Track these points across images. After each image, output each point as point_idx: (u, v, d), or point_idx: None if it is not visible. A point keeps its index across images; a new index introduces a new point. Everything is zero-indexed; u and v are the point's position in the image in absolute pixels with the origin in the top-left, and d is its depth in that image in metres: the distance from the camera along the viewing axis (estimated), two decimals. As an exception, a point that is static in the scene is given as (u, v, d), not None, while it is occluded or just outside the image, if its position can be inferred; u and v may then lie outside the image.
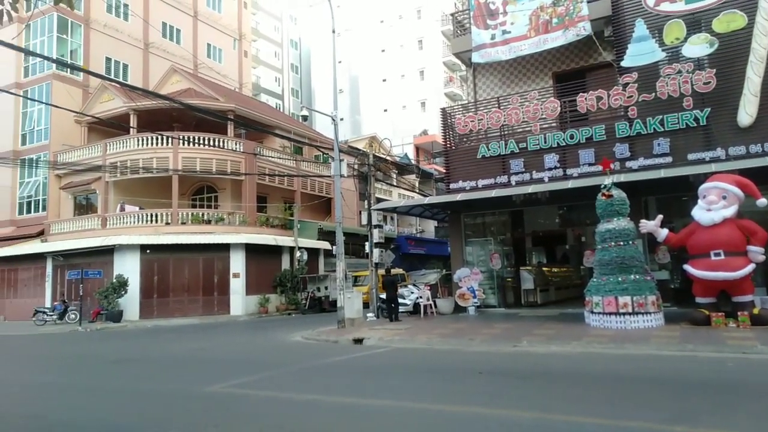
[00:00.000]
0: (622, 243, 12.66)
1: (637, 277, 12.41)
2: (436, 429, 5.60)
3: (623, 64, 15.43)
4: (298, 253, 27.44)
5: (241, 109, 28.42)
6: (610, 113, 15.80)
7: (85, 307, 22.29)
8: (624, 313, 12.16)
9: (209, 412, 6.67)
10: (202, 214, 26.61)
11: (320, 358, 11.20)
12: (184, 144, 25.86)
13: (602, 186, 13.21)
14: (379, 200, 23.87)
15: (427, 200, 20.63)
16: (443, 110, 19.33)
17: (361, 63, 54.24)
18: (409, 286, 18.78)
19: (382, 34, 53.17)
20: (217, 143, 26.51)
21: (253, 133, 30.32)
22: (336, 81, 18.70)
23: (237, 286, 25.26)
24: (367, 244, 20.35)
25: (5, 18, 5.77)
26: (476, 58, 18.39)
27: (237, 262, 25.47)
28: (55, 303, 23.93)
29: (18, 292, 27.29)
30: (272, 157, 29.38)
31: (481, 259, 18.71)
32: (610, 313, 12.34)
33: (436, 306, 18.28)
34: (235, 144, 27.57)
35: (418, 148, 46.09)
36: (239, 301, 25.16)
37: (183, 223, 25.61)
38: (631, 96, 15.03)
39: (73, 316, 22.17)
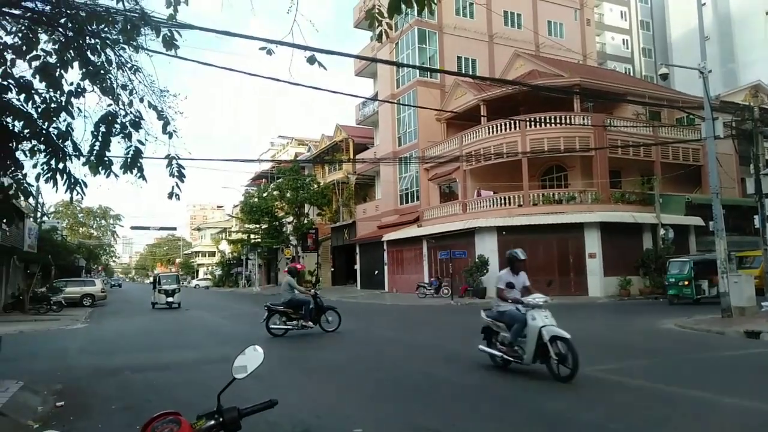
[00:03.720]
0: None
1: None
2: None
3: None
4: (662, 231, 24.55)
5: (586, 82, 27.06)
6: None
7: (455, 283, 25.04)
8: None
9: (580, 395, 6.43)
10: (553, 194, 26.53)
11: (703, 350, 9.65)
12: (530, 126, 26.22)
13: None
14: (769, 162, 19.16)
15: None
16: None
17: (732, -2, 44.76)
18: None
19: (760, -44, 42.62)
20: (563, 121, 25.96)
21: (602, 105, 28.53)
22: (702, 25, 15.79)
23: (593, 266, 24.27)
24: (756, 217, 16.63)
25: (384, 37, 6.68)
26: None
27: (592, 242, 24.46)
28: (432, 279, 27.70)
29: (404, 269, 32.70)
30: (624, 127, 27.03)
31: None
32: None
33: None
34: (583, 119, 26.45)
35: (826, 90, 35.22)
36: (597, 282, 24.12)
37: (534, 204, 26.07)
38: None
39: (446, 291, 25.22)
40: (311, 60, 5.85)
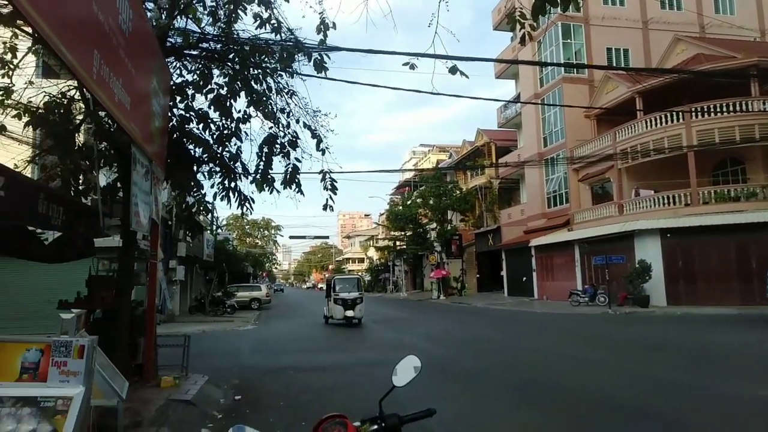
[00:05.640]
0: None
1: None
2: None
3: None
4: None
5: (766, 61, 23.57)
6: None
7: (612, 290, 23.23)
8: None
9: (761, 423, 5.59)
10: (728, 191, 23.45)
11: None
12: (696, 116, 23.55)
13: None
14: None
15: None
16: None
17: None
18: None
19: None
20: (738, 107, 22.88)
21: (788, 85, 24.66)
22: None
23: (783, 272, 20.92)
24: None
25: (527, 39, 6.48)
26: None
27: (781, 244, 21.14)
28: (586, 286, 26.02)
29: (554, 275, 31.19)
30: (819, 109, 23.02)
31: None
32: None
33: None
34: (763, 103, 23.07)
35: None
36: (788, 290, 20.74)
37: (705, 203, 23.29)
38: None
39: (602, 299, 23.52)
40: (453, 70, 5.90)
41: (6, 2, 4.67)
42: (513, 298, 33.65)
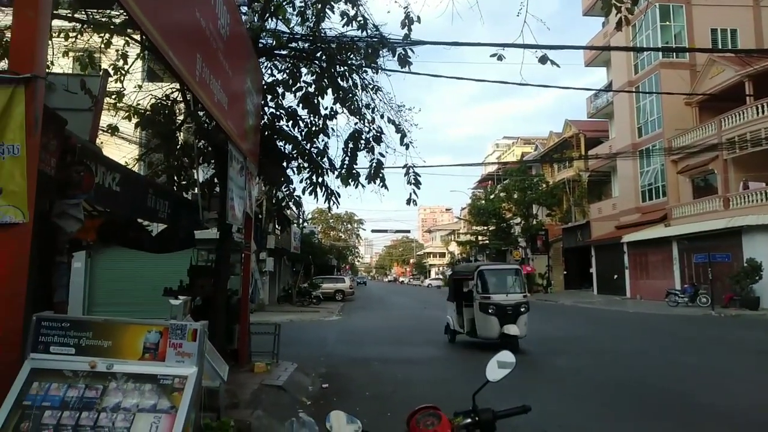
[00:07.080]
0: None
1: None
2: None
3: None
4: None
5: None
6: None
7: (715, 291, 21.53)
8: None
9: None
10: None
11: None
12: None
13: None
14: None
15: None
16: None
17: None
18: None
19: None
20: None
21: None
22: None
23: None
24: None
25: (623, 24, 6.03)
26: None
27: None
28: (685, 285, 24.29)
29: (649, 273, 29.38)
30: None
31: None
32: None
33: None
34: None
35: None
36: None
37: (828, 196, 20.96)
38: None
39: (704, 300, 21.87)
40: (543, 59, 5.70)
41: (121, 11, 5.08)
42: (603, 296, 32.11)
